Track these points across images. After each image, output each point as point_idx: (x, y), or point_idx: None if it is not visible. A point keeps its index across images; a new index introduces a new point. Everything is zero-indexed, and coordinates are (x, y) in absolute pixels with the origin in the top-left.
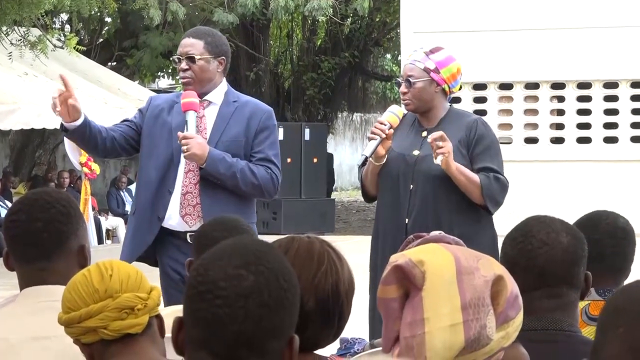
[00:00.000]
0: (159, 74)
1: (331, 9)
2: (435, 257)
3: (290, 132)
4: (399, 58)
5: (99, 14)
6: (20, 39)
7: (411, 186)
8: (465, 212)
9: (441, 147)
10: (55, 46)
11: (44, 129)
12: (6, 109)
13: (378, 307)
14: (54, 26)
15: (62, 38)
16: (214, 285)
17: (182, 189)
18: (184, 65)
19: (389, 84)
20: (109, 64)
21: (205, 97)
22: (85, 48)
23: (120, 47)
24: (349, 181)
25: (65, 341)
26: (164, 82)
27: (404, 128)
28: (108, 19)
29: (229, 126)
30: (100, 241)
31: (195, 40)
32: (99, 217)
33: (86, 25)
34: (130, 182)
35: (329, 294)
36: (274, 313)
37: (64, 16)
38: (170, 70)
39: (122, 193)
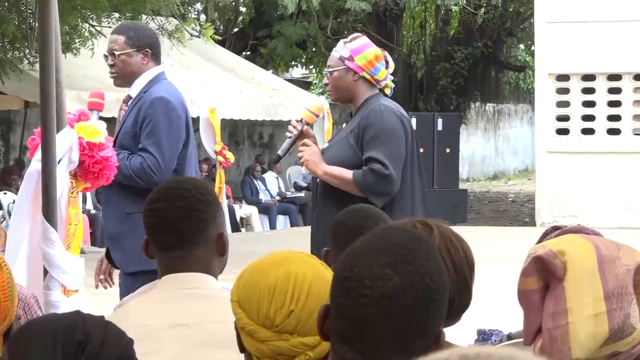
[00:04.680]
0: (293, 63)
1: None
2: (576, 247)
3: (422, 122)
4: (533, 48)
5: (233, 3)
6: (158, 28)
7: (318, 179)
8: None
9: (301, 155)
10: (191, 35)
11: None
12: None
13: (518, 299)
14: (190, 16)
15: (198, 28)
16: (359, 283)
17: None
18: (109, 61)
19: (522, 74)
20: (244, 53)
21: (128, 92)
22: (220, 37)
23: (254, 36)
24: (481, 171)
25: (205, 329)
26: (297, 72)
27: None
28: (243, 9)
29: (127, 119)
30: (234, 229)
31: (117, 35)
32: (233, 205)
33: (221, 15)
34: (264, 171)
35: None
36: (418, 314)
37: (199, 6)
38: (303, 60)
39: (256, 182)
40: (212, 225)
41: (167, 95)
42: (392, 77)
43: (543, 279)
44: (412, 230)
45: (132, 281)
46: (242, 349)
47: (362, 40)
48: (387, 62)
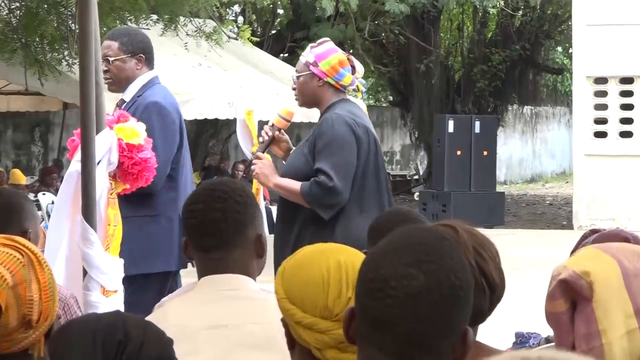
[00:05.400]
0: None
1: (502, 1)
2: (599, 265)
3: (460, 124)
4: (570, 51)
5: (271, 5)
6: (196, 30)
7: None
8: (309, 214)
9: (253, 168)
10: (229, 37)
11: (216, 119)
12: (180, 99)
13: (547, 321)
14: (227, 17)
15: (236, 30)
16: (385, 284)
17: None
18: (104, 67)
19: (560, 77)
20: (281, 55)
21: (122, 97)
22: (258, 39)
23: (292, 38)
24: (519, 174)
25: (243, 330)
26: None
27: None
28: (281, 11)
29: None
30: (271, 231)
31: (111, 41)
32: (270, 207)
33: (259, 17)
34: None
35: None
36: (444, 312)
37: (237, 8)
38: None
39: None
40: (251, 227)
41: (161, 99)
42: (363, 82)
43: (570, 299)
44: (434, 229)
45: (125, 285)
46: (292, 345)
47: (327, 45)
48: (353, 67)
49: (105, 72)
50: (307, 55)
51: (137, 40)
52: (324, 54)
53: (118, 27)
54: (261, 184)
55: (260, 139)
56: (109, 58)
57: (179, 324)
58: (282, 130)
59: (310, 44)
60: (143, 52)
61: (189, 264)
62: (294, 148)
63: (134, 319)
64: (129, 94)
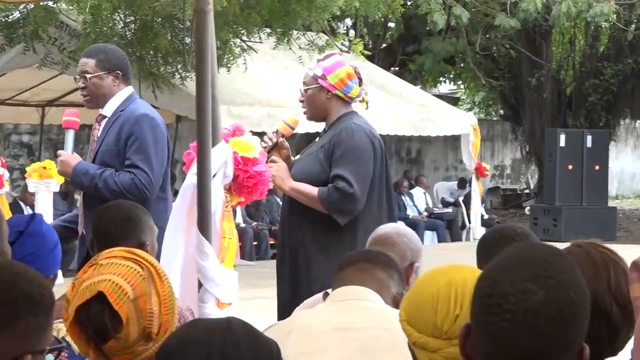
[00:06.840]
0: (441, 79)
1: (614, 15)
2: None
3: (571, 138)
4: None
5: (383, 19)
6: (309, 44)
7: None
8: (320, 220)
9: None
10: (341, 51)
11: None
12: (292, 112)
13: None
14: (339, 31)
15: (347, 43)
16: (503, 299)
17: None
18: (81, 83)
19: None
20: (392, 68)
21: (101, 112)
22: (369, 53)
23: (403, 52)
24: (631, 189)
25: (369, 333)
26: (445, 87)
27: None
28: (392, 24)
29: (106, 137)
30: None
31: (88, 59)
32: None
33: (370, 31)
34: (411, 187)
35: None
36: (564, 328)
37: (349, 21)
38: (452, 76)
39: (403, 197)
40: (398, 279)
41: (150, 112)
42: (368, 93)
43: None
44: (549, 245)
45: None
46: None
47: (334, 58)
48: (360, 79)
49: (82, 88)
50: (315, 68)
51: (114, 57)
52: (331, 67)
53: (94, 44)
54: (276, 187)
55: (263, 144)
56: (86, 75)
57: (305, 325)
58: (284, 138)
59: (317, 57)
60: (120, 69)
61: None
62: (304, 154)
63: (244, 332)
64: (109, 110)
